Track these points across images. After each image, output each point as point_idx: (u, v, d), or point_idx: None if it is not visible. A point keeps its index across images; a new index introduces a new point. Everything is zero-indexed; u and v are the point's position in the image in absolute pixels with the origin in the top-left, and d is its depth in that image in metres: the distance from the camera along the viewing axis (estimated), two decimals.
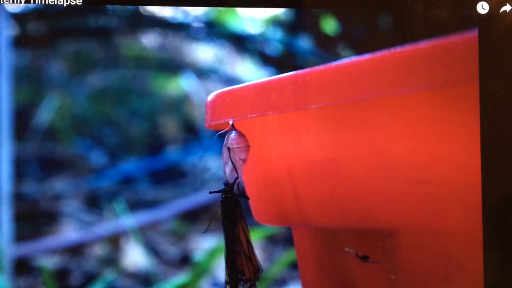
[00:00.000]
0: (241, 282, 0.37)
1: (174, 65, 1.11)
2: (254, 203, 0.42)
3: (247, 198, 0.40)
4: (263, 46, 0.98)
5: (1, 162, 0.80)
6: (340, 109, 0.34)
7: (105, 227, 0.95)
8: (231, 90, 0.39)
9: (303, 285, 0.43)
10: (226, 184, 0.38)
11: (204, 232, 0.41)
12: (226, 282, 0.38)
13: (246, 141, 0.38)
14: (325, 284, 0.40)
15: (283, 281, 0.87)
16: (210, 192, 0.38)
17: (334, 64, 0.33)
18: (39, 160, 1.06)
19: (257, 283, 0.38)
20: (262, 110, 0.36)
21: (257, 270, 0.38)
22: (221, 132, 0.39)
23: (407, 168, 0.32)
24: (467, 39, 0.29)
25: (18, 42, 0.90)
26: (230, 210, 0.38)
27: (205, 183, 1.10)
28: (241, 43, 1.00)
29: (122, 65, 1.09)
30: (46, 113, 1.01)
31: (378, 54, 0.31)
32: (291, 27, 0.96)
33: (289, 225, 0.44)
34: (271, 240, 0.97)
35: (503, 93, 0.38)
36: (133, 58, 1.08)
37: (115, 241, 0.93)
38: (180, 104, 1.17)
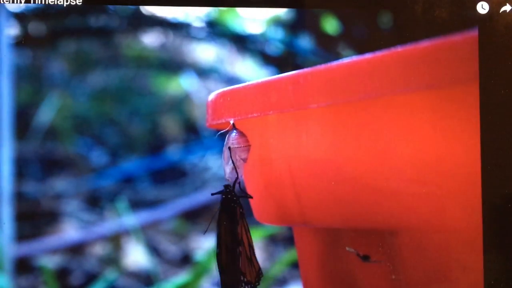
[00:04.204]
0: (243, 284, 0.37)
1: (175, 65, 1.11)
2: (255, 203, 0.42)
3: (250, 197, 0.40)
4: (263, 46, 0.98)
5: (2, 162, 0.80)
6: (340, 108, 0.34)
7: (106, 226, 0.96)
8: (232, 89, 0.39)
9: (304, 284, 0.43)
10: (226, 185, 0.38)
11: (204, 233, 0.41)
12: (224, 285, 0.38)
13: (247, 140, 0.38)
14: (326, 284, 0.40)
15: (284, 280, 0.87)
16: (212, 194, 0.38)
17: (334, 63, 0.33)
18: (40, 159, 1.06)
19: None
20: (262, 110, 0.36)
21: (257, 273, 0.37)
22: (222, 131, 0.39)
23: (407, 168, 0.32)
24: (467, 39, 0.29)
25: (19, 42, 0.90)
26: (231, 211, 0.37)
27: (205, 182, 1.11)
28: (242, 42, 1.00)
29: (123, 64, 1.09)
30: (47, 112, 1.02)
31: (379, 53, 0.31)
32: (292, 27, 0.96)
33: (290, 225, 0.44)
34: (272, 240, 0.97)
35: (503, 93, 0.38)
36: (134, 58, 1.08)
37: (116, 240, 0.93)
38: (180, 103, 1.17)
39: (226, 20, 0.98)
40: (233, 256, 0.37)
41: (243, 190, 0.39)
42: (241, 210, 0.38)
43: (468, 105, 0.30)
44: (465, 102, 0.30)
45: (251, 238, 0.38)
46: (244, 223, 0.37)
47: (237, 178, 0.38)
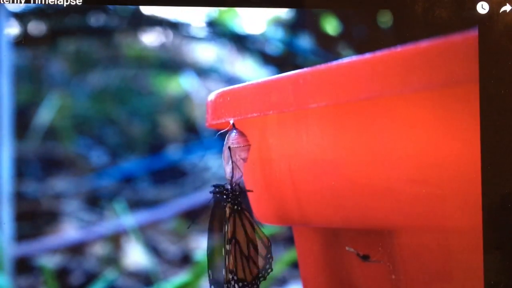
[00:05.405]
0: (232, 282, 0.37)
1: (175, 65, 1.11)
2: (254, 203, 0.42)
3: (249, 190, 0.40)
4: (263, 46, 0.98)
5: (1, 162, 0.80)
6: (340, 108, 0.34)
7: (106, 226, 0.96)
8: (231, 89, 0.40)
9: (304, 284, 0.43)
10: (215, 186, 0.38)
11: (188, 228, 0.41)
12: (212, 283, 0.38)
13: (247, 140, 0.38)
14: (326, 284, 0.40)
15: (283, 280, 0.87)
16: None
17: (334, 63, 0.33)
18: (39, 159, 1.06)
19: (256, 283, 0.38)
20: (262, 110, 0.36)
21: (260, 272, 0.38)
22: (222, 131, 0.39)
23: (407, 168, 0.32)
24: (467, 39, 0.29)
25: (19, 42, 0.90)
26: (221, 210, 0.38)
27: (205, 182, 1.11)
28: (242, 42, 1.00)
29: (123, 64, 1.09)
30: (46, 112, 1.02)
31: (379, 53, 0.31)
32: (292, 27, 0.96)
33: (290, 225, 0.44)
34: (272, 240, 0.97)
35: (503, 93, 0.38)
36: (134, 58, 1.08)
37: (115, 240, 0.93)
38: (180, 103, 1.17)
39: (226, 20, 0.98)
40: (222, 254, 0.37)
41: (242, 189, 0.39)
42: (235, 207, 0.38)
43: (468, 105, 0.30)
44: (465, 102, 0.30)
45: (253, 236, 0.38)
46: (239, 220, 0.37)
47: (232, 178, 0.38)
